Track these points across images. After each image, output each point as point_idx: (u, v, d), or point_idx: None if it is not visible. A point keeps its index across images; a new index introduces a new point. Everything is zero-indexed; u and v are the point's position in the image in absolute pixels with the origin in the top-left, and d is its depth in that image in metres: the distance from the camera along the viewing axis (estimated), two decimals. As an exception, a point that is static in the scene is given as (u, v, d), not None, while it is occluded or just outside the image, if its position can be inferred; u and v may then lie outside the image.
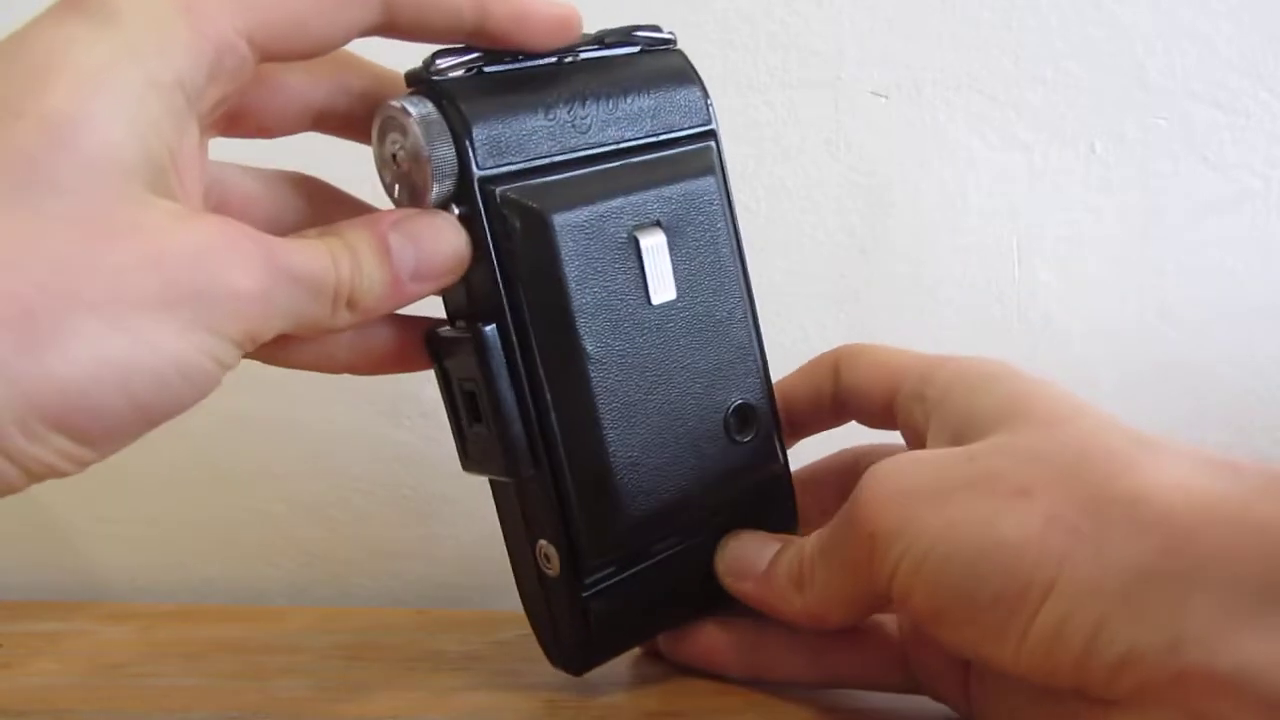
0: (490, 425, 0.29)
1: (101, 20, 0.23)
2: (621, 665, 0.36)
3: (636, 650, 0.36)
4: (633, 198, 0.30)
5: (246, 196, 0.29)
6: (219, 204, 0.28)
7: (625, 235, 0.29)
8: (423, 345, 0.30)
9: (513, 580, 0.33)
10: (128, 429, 0.23)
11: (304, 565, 0.47)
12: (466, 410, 0.29)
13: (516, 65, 0.28)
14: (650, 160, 0.31)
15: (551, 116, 0.28)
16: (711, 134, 0.33)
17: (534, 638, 0.33)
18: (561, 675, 0.33)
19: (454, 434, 0.30)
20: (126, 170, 0.23)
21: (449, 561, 0.46)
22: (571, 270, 0.28)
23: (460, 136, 0.27)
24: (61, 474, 0.23)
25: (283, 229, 0.27)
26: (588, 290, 0.29)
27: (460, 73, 0.28)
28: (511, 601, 0.33)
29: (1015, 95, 0.45)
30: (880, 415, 0.33)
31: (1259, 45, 0.44)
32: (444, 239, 0.27)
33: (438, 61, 0.27)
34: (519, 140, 0.28)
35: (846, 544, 0.28)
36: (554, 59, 0.29)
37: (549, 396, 0.29)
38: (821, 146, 0.45)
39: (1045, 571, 0.24)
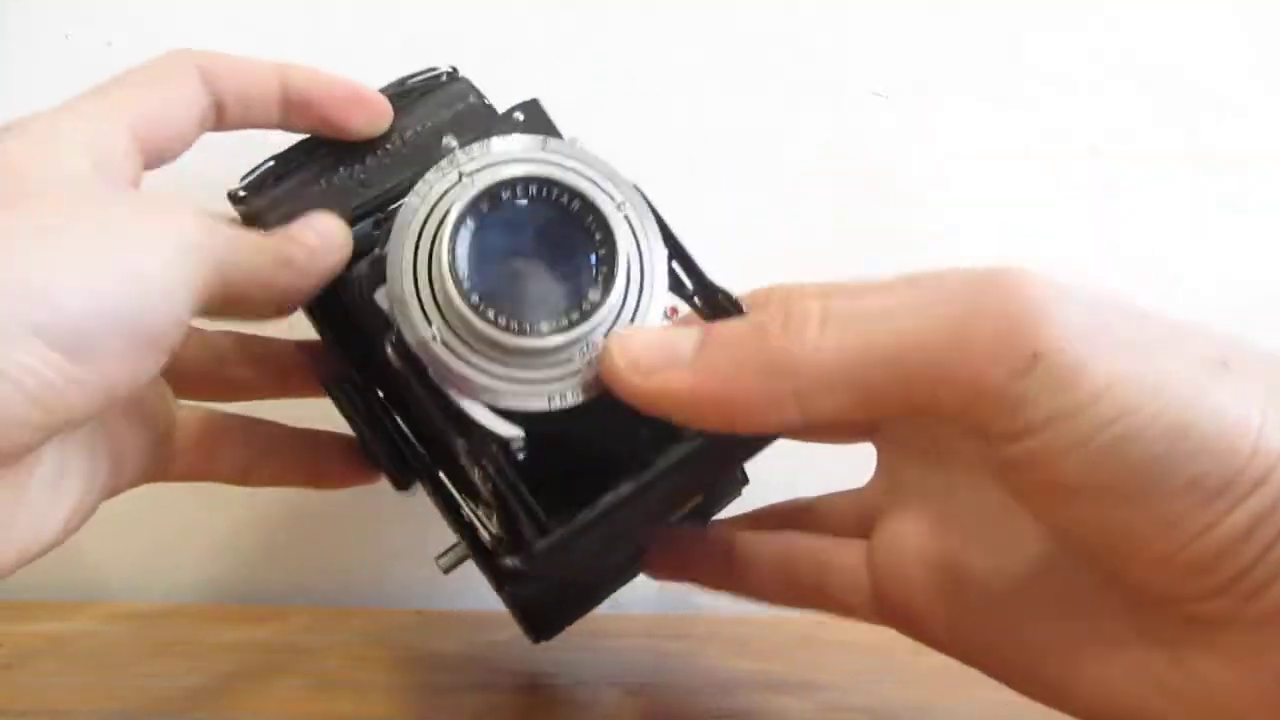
0: (370, 449, 0.32)
1: None
2: (621, 665, 0.36)
3: (634, 648, 0.36)
4: None
5: None
6: None
7: None
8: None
9: None
10: (104, 339, 0.23)
11: (303, 565, 0.47)
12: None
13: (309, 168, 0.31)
14: None
15: (330, 182, 0.31)
16: None
17: (531, 638, 0.33)
18: (558, 676, 0.33)
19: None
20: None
21: (449, 561, 0.46)
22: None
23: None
24: (59, 392, 0.22)
25: None
26: None
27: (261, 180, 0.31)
28: (511, 601, 0.33)
29: (1016, 95, 0.45)
30: None
31: (1260, 45, 0.44)
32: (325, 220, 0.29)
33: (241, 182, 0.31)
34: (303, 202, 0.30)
35: (958, 346, 0.21)
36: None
37: None
38: (822, 147, 0.45)
39: (1264, 460, 0.20)
